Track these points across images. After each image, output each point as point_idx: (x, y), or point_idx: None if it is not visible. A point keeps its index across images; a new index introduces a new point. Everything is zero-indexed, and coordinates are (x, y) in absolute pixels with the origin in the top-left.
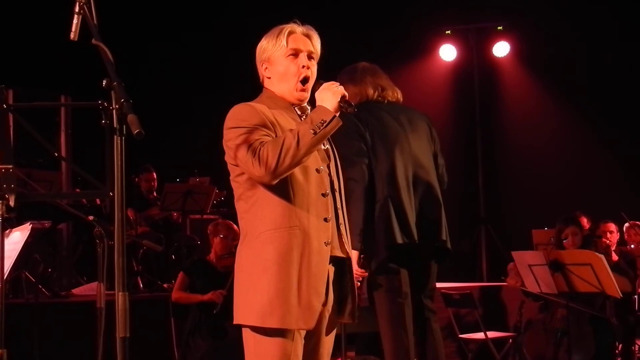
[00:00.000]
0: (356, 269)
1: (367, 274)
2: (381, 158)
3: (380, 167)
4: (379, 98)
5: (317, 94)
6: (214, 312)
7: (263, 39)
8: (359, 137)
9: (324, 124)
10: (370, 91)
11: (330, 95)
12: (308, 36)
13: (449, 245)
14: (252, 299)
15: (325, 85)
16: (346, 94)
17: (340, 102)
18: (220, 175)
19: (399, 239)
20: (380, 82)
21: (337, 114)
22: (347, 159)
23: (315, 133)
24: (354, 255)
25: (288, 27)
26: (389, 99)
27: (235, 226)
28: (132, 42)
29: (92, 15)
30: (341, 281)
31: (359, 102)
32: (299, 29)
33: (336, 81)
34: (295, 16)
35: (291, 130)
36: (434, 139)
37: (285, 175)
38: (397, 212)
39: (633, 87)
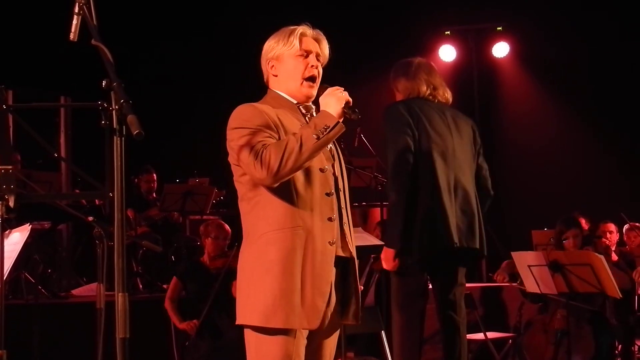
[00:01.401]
0: (388, 265)
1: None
2: (423, 157)
3: (421, 166)
4: (430, 96)
5: (321, 99)
6: (187, 344)
7: (272, 38)
8: (407, 130)
9: (327, 130)
10: (423, 88)
11: (335, 101)
12: (317, 40)
13: (485, 252)
14: (255, 299)
15: (329, 90)
16: (350, 100)
17: (344, 108)
18: (220, 175)
19: (434, 245)
20: (433, 80)
21: (341, 120)
22: (392, 165)
23: (318, 138)
24: (390, 253)
25: (300, 29)
26: (439, 98)
27: (226, 226)
28: (132, 42)
29: (92, 15)
30: (345, 282)
31: (409, 97)
32: (309, 31)
33: (390, 74)
34: (295, 16)
35: (294, 133)
36: (477, 144)
37: (286, 179)
38: (437, 216)
39: (633, 87)
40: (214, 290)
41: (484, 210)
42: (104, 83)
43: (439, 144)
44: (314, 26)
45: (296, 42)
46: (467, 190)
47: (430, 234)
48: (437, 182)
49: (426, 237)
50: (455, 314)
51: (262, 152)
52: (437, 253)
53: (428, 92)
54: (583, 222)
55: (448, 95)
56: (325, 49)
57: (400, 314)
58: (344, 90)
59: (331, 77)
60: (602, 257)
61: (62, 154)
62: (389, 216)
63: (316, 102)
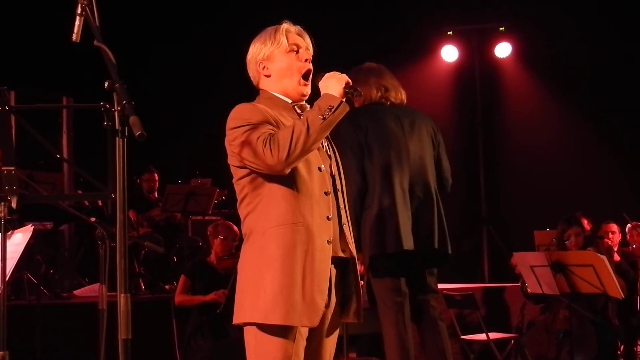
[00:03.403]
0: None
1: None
2: (378, 163)
3: (376, 172)
4: (382, 99)
5: (320, 83)
6: (218, 311)
7: (257, 41)
8: (356, 147)
9: (332, 110)
10: (374, 92)
11: (335, 82)
12: (301, 35)
13: (449, 251)
14: (255, 296)
15: (328, 74)
16: (349, 80)
17: (345, 88)
18: (222, 176)
19: (390, 248)
20: (384, 82)
21: (344, 100)
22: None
23: (324, 119)
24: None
25: (284, 26)
26: (392, 100)
27: (235, 227)
28: (134, 43)
29: (94, 16)
30: (344, 281)
31: (362, 104)
32: (292, 28)
33: None
34: (296, 17)
35: (299, 119)
36: (438, 143)
37: (296, 164)
38: (391, 219)
39: (636, 88)
40: (230, 284)
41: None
42: (106, 84)
43: (391, 148)
44: (309, 24)
45: (284, 39)
46: (425, 192)
47: (381, 240)
48: (391, 187)
49: (380, 243)
50: (431, 314)
51: (270, 139)
52: (391, 256)
53: (379, 94)
54: (585, 222)
55: (402, 96)
56: (310, 43)
57: (384, 315)
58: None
59: None
60: (604, 257)
61: (64, 154)
62: None
63: (315, 90)
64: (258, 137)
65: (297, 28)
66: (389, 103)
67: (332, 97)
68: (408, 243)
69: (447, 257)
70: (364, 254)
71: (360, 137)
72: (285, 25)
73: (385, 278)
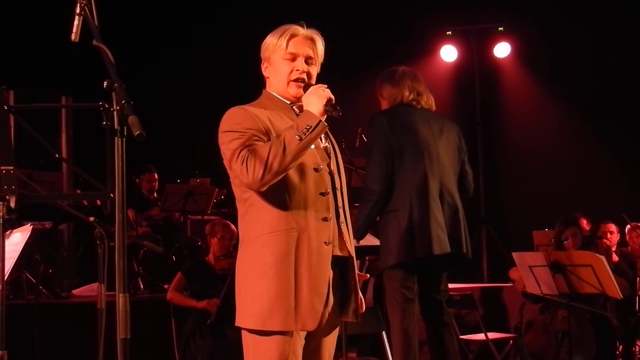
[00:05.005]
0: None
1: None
2: (408, 164)
3: (408, 176)
4: (413, 102)
5: (303, 98)
6: (208, 322)
7: (269, 36)
8: (386, 148)
9: (310, 130)
10: (406, 93)
11: (316, 99)
12: (311, 40)
13: (469, 255)
14: (251, 303)
15: (311, 88)
16: (332, 97)
17: (325, 105)
18: (221, 176)
19: (420, 253)
20: (417, 86)
21: (323, 119)
22: (370, 168)
23: (300, 139)
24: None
25: (291, 30)
26: (423, 104)
27: (232, 226)
28: (133, 42)
29: (93, 16)
30: (343, 280)
31: (394, 104)
32: (302, 32)
33: (376, 82)
34: (296, 16)
35: (278, 136)
36: (463, 149)
37: (274, 182)
38: (425, 224)
39: (634, 88)
40: (223, 293)
41: None
42: (105, 84)
43: (422, 150)
44: (309, 25)
45: (283, 45)
46: (452, 195)
47: (412, 242)
48: (424, 188)
49: (408, 244)
50: (442, 314)
51: (248, 157)
52: (418, 259)
53: (411, 97)
54: (585, 222)
55: (432, 102)
56: (320, 48)
57: (395, 316)
58: (326, 88)
59: (333, 78)
60: (602, 257)
61: (64, 154)
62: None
63: None
64: (240, 152)
65: (307, 33)
66: (419, 106)
67: (311, 115)
68: (440, 248)
69: (465, 259)
70: (384, 254)
71: (391, 139)
72: (293, 30)
73: (398, 273)
